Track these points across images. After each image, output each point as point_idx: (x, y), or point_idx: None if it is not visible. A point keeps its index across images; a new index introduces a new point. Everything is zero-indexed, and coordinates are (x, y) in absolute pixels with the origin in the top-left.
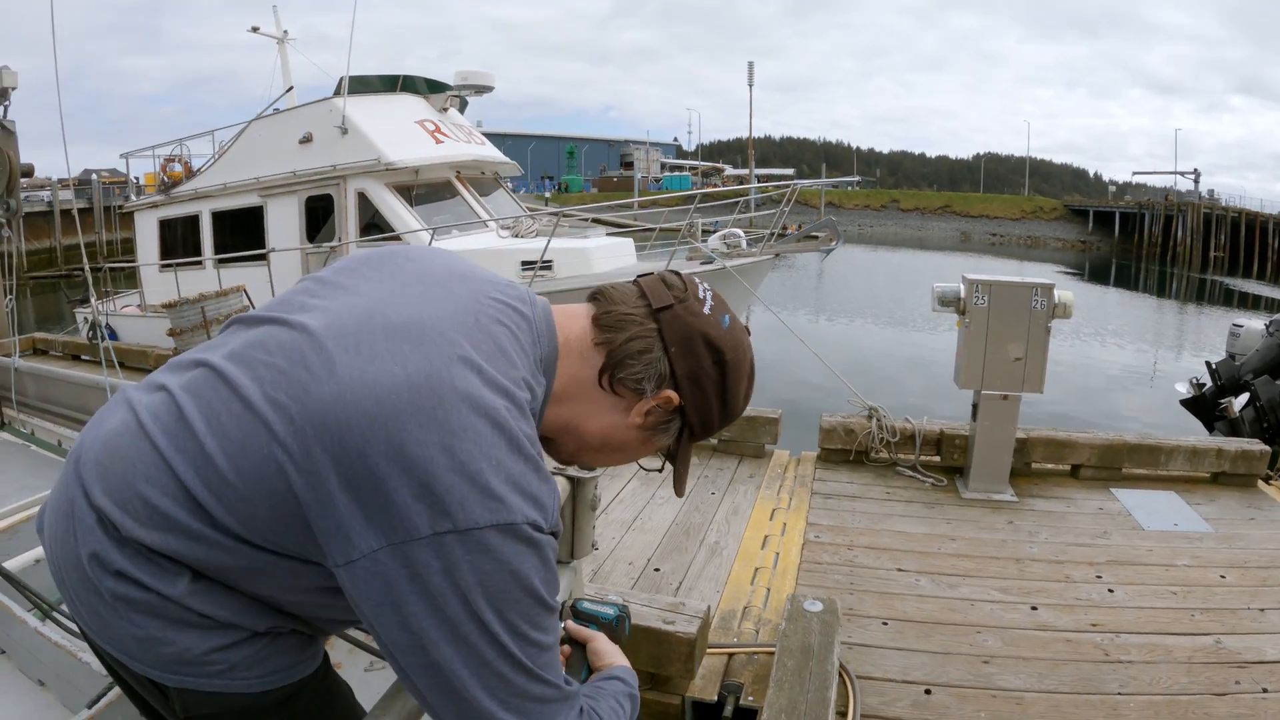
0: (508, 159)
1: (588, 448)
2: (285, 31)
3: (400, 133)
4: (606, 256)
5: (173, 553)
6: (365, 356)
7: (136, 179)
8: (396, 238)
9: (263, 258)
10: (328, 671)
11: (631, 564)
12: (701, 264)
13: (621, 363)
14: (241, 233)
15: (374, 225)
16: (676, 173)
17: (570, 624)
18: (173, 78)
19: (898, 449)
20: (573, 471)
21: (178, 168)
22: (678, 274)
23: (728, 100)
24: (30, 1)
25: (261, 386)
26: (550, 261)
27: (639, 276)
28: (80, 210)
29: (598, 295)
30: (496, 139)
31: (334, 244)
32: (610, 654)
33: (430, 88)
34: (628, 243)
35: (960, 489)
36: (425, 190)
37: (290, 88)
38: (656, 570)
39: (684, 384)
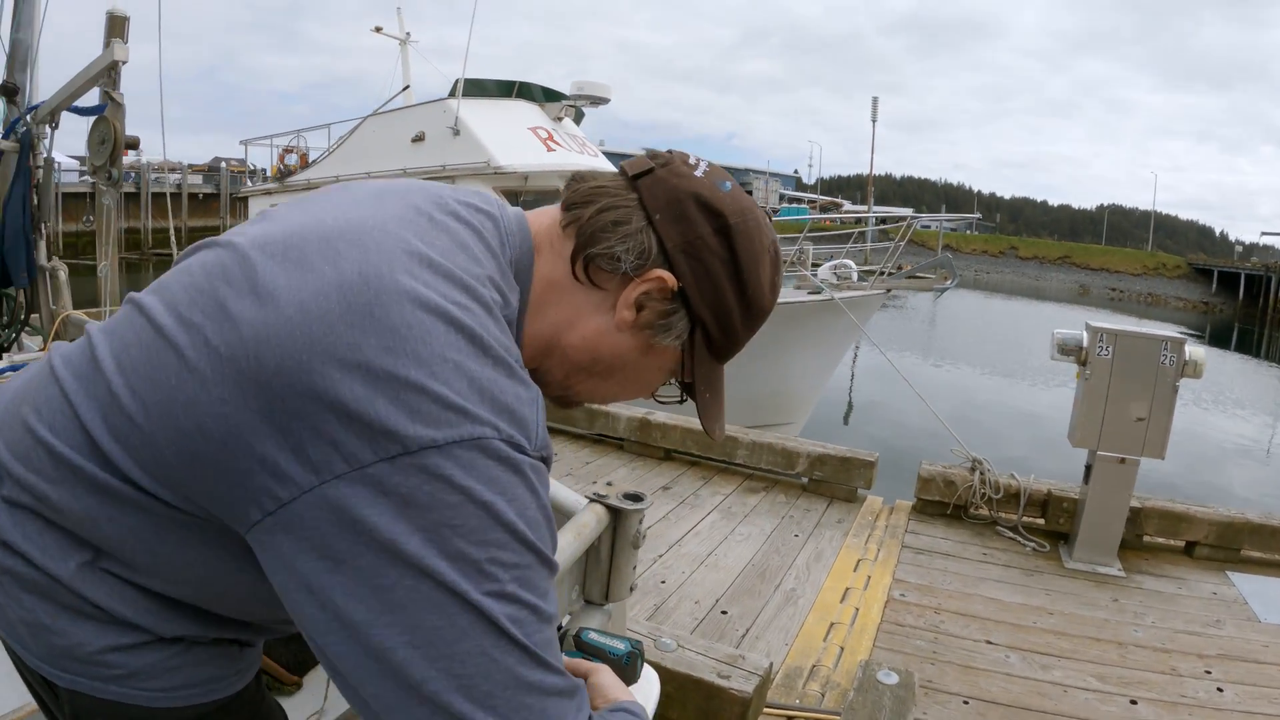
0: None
1: (578, 368)
2: (408, 34)
3: (512, 138)
4: None
5: (73, 516)
6: (293, 262)
7: (261, 168)
8: None
9: None
10: (257, 692)
11: (698, 603)
12: (809, 294)
13: (592, 237)
14: None
15: None
16: (794, 204)
17: (571, 660)
18: (306, 77)
19: (999, 507)
20: (614, 501)
21: (294, 159)
22: (676, 151)
23: (850, 135)
24: None
25: (176, 309)
26: None
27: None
28: (206, 195)
29: (569, 181)
30: (617, 158)
31: None
32: (615, 688)
33: (546, 96)
34: None
35: (1064, 557)
36: (534, 197)
37: (406, 86)
38: (724, 613)
39: (678, 258)
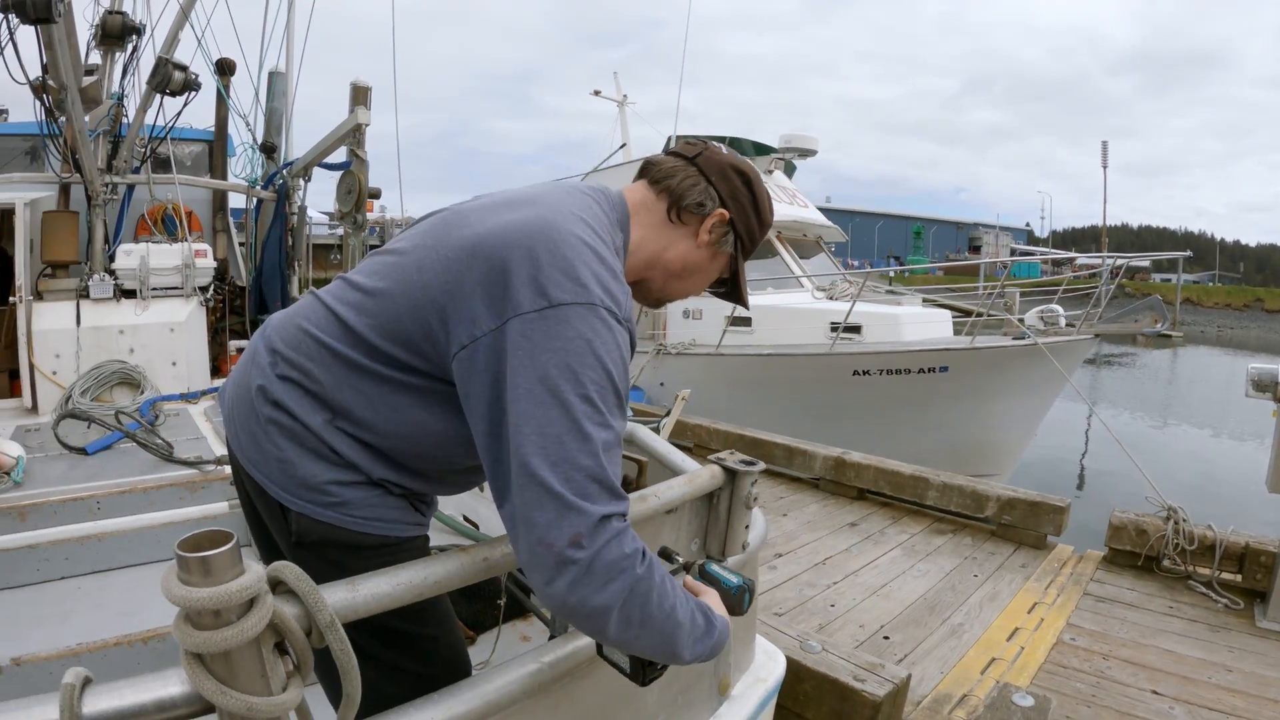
0: (830, 223)
1: (672, 275)
2: (624, 96)
3: None
4: (918, 324)
5: (317, 381)
6: (495, 213)
7: None
8: None
9: None
10: (424, 551)
11: (862, 627)
12: (1014, 339)
13: (682, 195)
14: None
15: None
16: (1025, 259)
17: (689, 579)
18: (539, 140)
19: (1193, 559)
20: (730, 463)
21: None
22: (688, 139)
23: (1080, 184)
24: (411, 67)
25: (414, 240)
26: (859, 326)
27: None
28: None
29: (645, 166)
30: (844, 215)
31: None
32: (715, 607)
33: (756, 150)
34: (944, 313)
35: (1257, 616)
36: None
37: (623, 144)
38: (885, 638)
39: (729, 202)
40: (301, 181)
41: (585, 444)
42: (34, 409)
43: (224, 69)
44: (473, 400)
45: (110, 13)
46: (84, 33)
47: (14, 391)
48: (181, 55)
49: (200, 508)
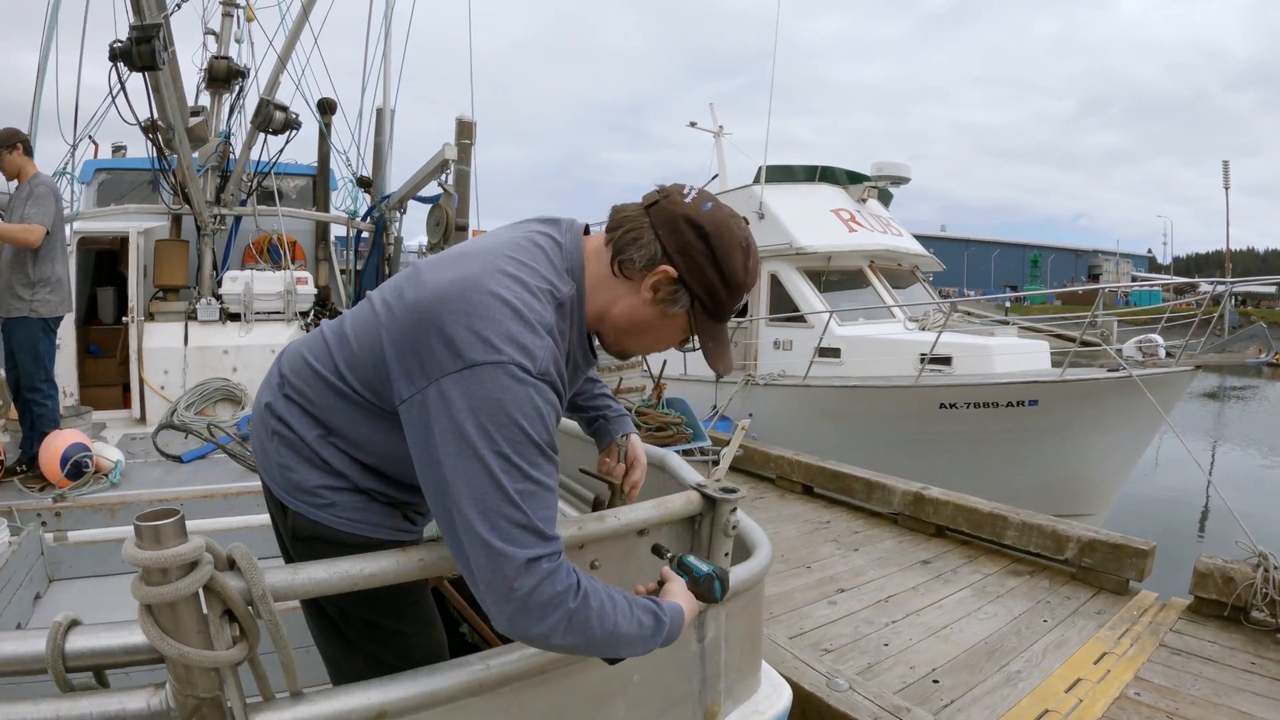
0: (926, 252)
1: (621, 330)
2: (720, 127)
3: (814, 220)
4: (1011, 356)
5: (311, 403)
6: (439, 271)
7: None
8: (801, 318)
9: None
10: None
11: (912, 669)
12: (1109, 371)
13: (621, 249)
14: None
15: (784, 305)
16: (1146, 286)
17: (665, 569)
18: (653, 171)
19: None
20: (711, 490)
21: None
22: (672, 185)
23: (1204, 207)
24: (527, 100)
25: (382, 297)
26: (949, 357)
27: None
28: None
29: (612, 208)
30: (959, 244)
31: (744, 320)
32: (676, 594)
33: (850, 179)
34: (1041, 344)
35: None
36: (838, 277)
37: (715, 175)
38: (935, 682)
39: (675, 258)
40: (398, 214)
41: (505, 496)
42: (142, 419)
43: (325, 108)
44: (413, 448)
45: (216, 58)
46: (193, 76)
47: (125, 403)
48: (285, 95)
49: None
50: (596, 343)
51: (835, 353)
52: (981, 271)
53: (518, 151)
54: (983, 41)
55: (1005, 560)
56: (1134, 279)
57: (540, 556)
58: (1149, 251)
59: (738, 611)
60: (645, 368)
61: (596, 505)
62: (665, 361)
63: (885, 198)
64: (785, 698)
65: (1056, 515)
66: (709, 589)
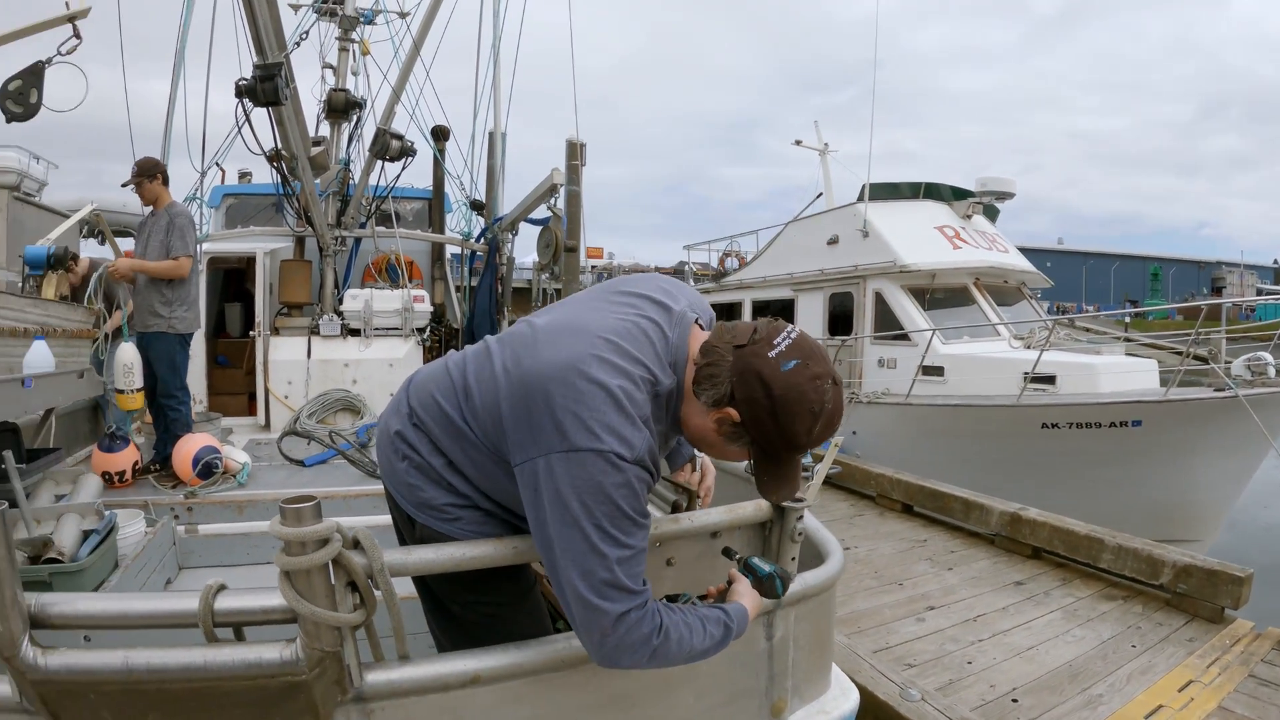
0: (1032, 268)
1: (691, 437)
2: (825, 144)
3: (918, 237)
4: (1117, 375)
5: (438, 438)
6: (552, 344)
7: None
8: (905, 336)
9: None
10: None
11: (992, 687)
12: (1215, 391)
13: (699, 381)
14: None
15: (888, 322)
16: (1273, 299)
17: (733, 570)
18: (764, 186)
19: None
20: (785, 502)
21: (733, 262)
22: (774, 320)
23: None
24: (637, 117)
25: (503, 358)
26: (1053, 376)
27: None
28: None
29: (719, 327)
30: (1075, 257)
31: (849, 339)
32: (742, 595)
33: (955, 195)
34: (1149, 363)
35: None
36: (942, 295)
37: (820, 194)
38: (1013, 701)
39: (740, 406)
40: (510, 235)
41: (603, 560)
42: (266, 426)
43: (438, 135)
44: (525, 504)
45: (334, 90)
46: (313, 107)
47: (251, 411)
48: (401, 123)
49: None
50: None
51: (939, 371)
52: (1100, 286)
53: (628, 169)
54: (1094, 45)
55: (1100, 584)
56: (1259, 292)
57: (629, 610)
58: (1275, 262)
59: (806, 614)
60: None
61: (675, 509)
62: None
63: (991, 213)
64: (852, 701)
65: (1160, 540)
66: (771, 587)
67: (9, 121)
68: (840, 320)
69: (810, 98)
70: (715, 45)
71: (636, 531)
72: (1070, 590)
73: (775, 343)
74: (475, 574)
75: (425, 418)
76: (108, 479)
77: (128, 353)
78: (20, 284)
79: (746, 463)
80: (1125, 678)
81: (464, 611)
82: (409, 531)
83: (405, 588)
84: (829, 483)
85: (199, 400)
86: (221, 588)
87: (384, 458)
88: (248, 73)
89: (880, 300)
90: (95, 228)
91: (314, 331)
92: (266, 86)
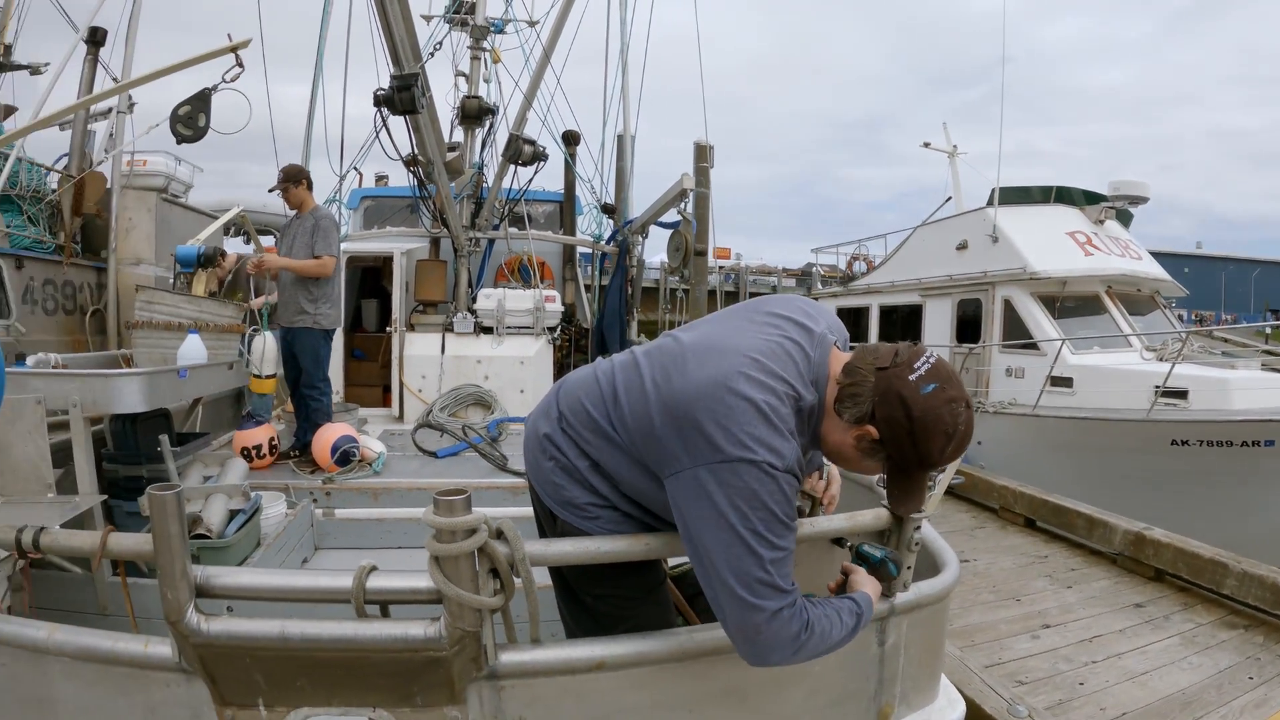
0: (1167, 276)
1: (828, 451)
2: (954, 146)
3: (1049, 243)
4: (1253, 390)
5: (585, 441)
6: (700, 363)
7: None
8: (1034, 345)
9: None
10: (658, 565)
11: (1102, 710)
12: None
13: (841, 399)
14: (902, 328)
15: (1016, 331)
16: None
17: (845, 563)
18: (893, 187)
19: None
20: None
21: (861, 266)
22: (914, 345)
23: None
24: (765, 118)
25: (651, 372)
26: (1185, 390)
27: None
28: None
29: (861, 349)
30: (1215, 263)
31: (976, 346)
32: (862, 584)
33: (1087, 199)
34: None
35: None
36: (1073, 303)
37: (949, 198)
38: None
39: (881, 424)
40: (640, 238)
41: (758, 561)
42: (400, 418)
43: (569, 140)
44: (676, 514)
45: (468, 97)
46: (448, 114)
47: (386, 403)
48: (532, 128)
49: (520, 509)
50: None
51: (1067, 382)
52: (1240, 293)
53: (757, 170)
54: (1234, 37)
55: (1222, 610)
56: None
57: (782, 607)
58: None
59: (919, 623)
60: None
61: (799, 514)
62: None
63: (1125, 218)
64: (958, 712)
65: None
66: (885, 570)
67: (179, 143)
68: (968, 327)
69: (940, 96)
70: (843, 43)
71: (787, 534)
72: (1191, 615)
73: (915, 366)
74: (608, 568)
75: (574, 421)
76: (246, 454)
77: (265, 340)
78: (171, 280)
79: (878, 476)
80: (1239, 710)
81: (595, 602)
82: (550, 526)
83: (540, 577)
84: (951, 493)
85: (336, 392)
86: (373, 569)
87: (531, 457)
88: (385, 81)
89: (1009, 308)
90: (240, 227)
91: (448, 328)
92: (403, 96)
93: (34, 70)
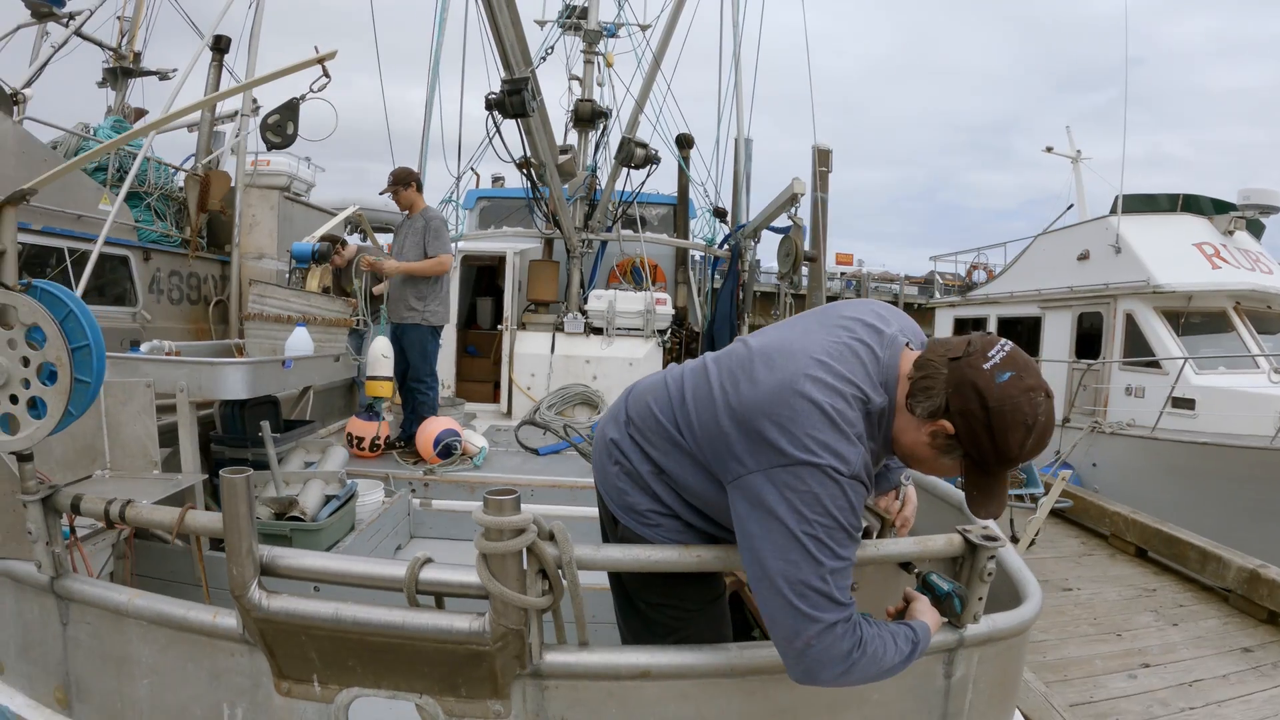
0: None
1: (902, 453)
2: (1078, 151)
3: (1175, 255)
4: None
5: (651, 446)
6: (769, 369)
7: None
8: (1155, 363)
9: None
10: (718, 577)
11: None
12: None
13: (914, 393)
14: (1021, 340)
15: (1138, 347)
16: None
17: (908, 589)
18: (1019, 194)
19: None
20: (974, 536)
21: (981, 275)
22: (986, 334)
23: None
24: (888, 122)
25: (720, 378)
26: None
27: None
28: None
29: (933, 341)
30: None
31: (1095, 362)
32: (922, 613)
33: (1215, 208)
34: None
35: None
36: (1199, 319)
37: (1070, 205)
38: None
39: (955, 418)
40: (752, 242)
41: (817, 569)
42: (508, 414)
43: (682, 143)
44: (735, 519)
45: (581, 100)
46: (561, 117)
47: (494, 398)
48: (645, 132)
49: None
50: None
51: (1189, 404)
52: None
53: (878, 174)
54: None
55: None
56: None
57: (837, 621)
58: None
59: (991, 657)
60: None
61: (866, 534)
62: None
63: (1256, 228)
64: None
65: None
66: (949, 606)
67: (270, 149)
68: (1089, 342)
69: (1067, 99)
70: (966, 45)
71: (849, 544)
72: None
73: (990, 355)
74: (666, 578)
75: (641, 425)
76: (357, 444)
77: (381, 344)
78: (288, 275)
79: (960, 477)
80: None
81: (650, 611)
82: (611, 530)
83: (601, 582)
84: (1062, 517)
85: (446, 385)
86: (428, 560)
87: (598, 461)
88: (496, 85)
89: (1131, 322)
90: (358, 225)
91: (559, 328)
92: (513, 100)
93: (162, 76)
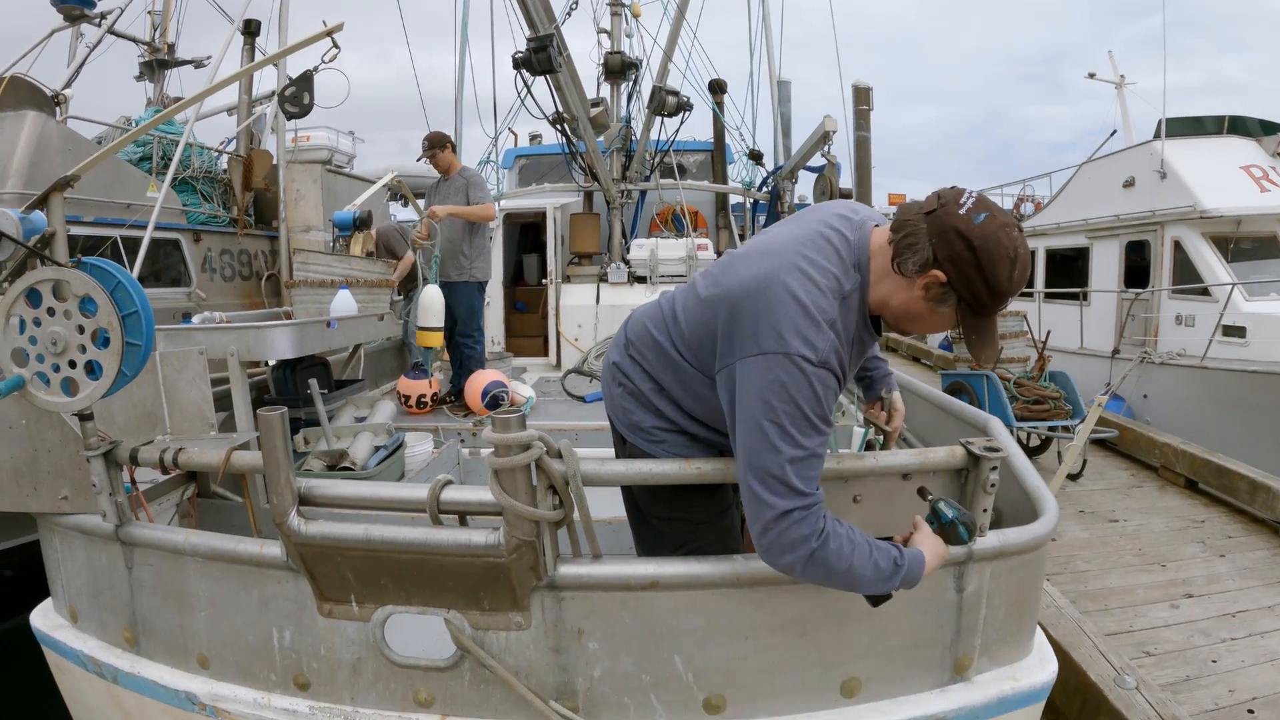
0: None
1: (897, 316)
2: (1121, 76)
3: (1222, 179)
4: None
5: (649, 364)
6: (747, 264)
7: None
8: (1204, 291)
9: (1077, 297)
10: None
11: (1231, 692)
12: None
13: (899, 253)
14: (1068, 272)
15: (1187, 275)
16: None
17: (917, 517)
18: (1075, 126)
19: None
20: (976, 448)
21: (1029, 208)
22: (954, 188)
23: None
24: (940, 59)
25: (704, 284)
26: None
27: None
28: None
29: (901, 205)
30: None
31: (1143, 291)
32: (920, 541)
33: (1264, 129)
34: None
35: None
36: (1249, 245)
37: (1114, 131)
38: (1250, 711)
39: (945, 265)
40: (790, 184)
41: (776, 457)
42: (557, 366)
43: (715, 89)
44: (724, 407)
45: (610, 53)
46: (592, 70)
47: (544, 352)
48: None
49: None
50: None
51: (1240, 332)
52: None
53: (930, 112)
54: None
55: None
56: None
57: (794, 508)
58: None
59: (1005, 572)
60: (1030, 338)
61: (868, 446)
62: (1049, 333)
63: None
64: (1048, 672)
65: None
66: (953, 533)
67: (289, 119)
68: (1139, 272)
69: (1121, 25)
70: None
71: (814, 434)
72: None
73: (961, 202)
74: (674, 491)
75: (640, 346)
76: (406, 402)
77: (431, 293)
78: (331, 243)
79: (951, 331)
80: None
81: (661, 526)
82: (621, 451)
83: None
84: (1112, 448)
85: (495, 341)
86: (448, 482)
87: (605, 386)
88: (522, 44)
89: (1179, 249)
90: (398, 192)
91: (602, 279)
92: (540, 57)
93: (197, 64)
